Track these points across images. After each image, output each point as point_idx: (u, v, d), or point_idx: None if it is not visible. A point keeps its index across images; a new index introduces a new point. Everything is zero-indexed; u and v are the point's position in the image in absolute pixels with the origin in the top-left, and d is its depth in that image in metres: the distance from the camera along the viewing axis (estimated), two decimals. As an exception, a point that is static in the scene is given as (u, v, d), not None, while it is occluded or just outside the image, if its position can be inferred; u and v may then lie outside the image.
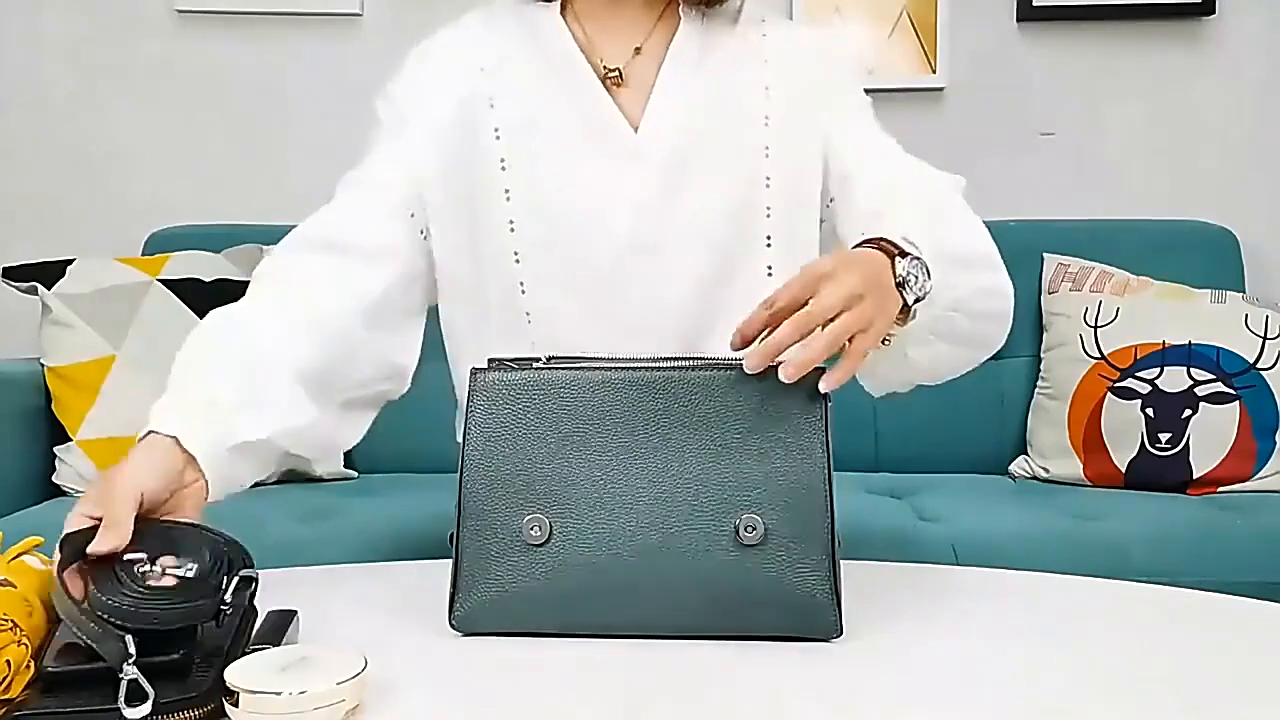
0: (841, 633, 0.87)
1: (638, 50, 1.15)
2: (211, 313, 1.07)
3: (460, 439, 0.92)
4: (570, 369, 0.90)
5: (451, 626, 0.88)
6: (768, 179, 1.14)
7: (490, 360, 0.93)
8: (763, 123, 1.15)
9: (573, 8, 1.17)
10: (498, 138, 1.13)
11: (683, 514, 0.86)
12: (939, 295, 0.98)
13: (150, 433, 0.94)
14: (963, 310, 1.02)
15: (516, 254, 1.12)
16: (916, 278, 0.95)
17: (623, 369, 0.90)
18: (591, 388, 0.89)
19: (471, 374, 0.90)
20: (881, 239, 0.96)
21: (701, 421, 0.88)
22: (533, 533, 0.86)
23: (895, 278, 0.94)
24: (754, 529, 0.85)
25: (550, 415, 0.88)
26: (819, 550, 0.86)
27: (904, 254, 0.95)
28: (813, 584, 0.86)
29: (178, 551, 0.82)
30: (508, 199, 1.12)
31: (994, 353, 1.12)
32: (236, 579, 0.78)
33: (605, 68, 1.14)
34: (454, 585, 0.88)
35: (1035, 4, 2.43)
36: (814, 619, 0.86)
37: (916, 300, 0.95)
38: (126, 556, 0.80)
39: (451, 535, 1.27)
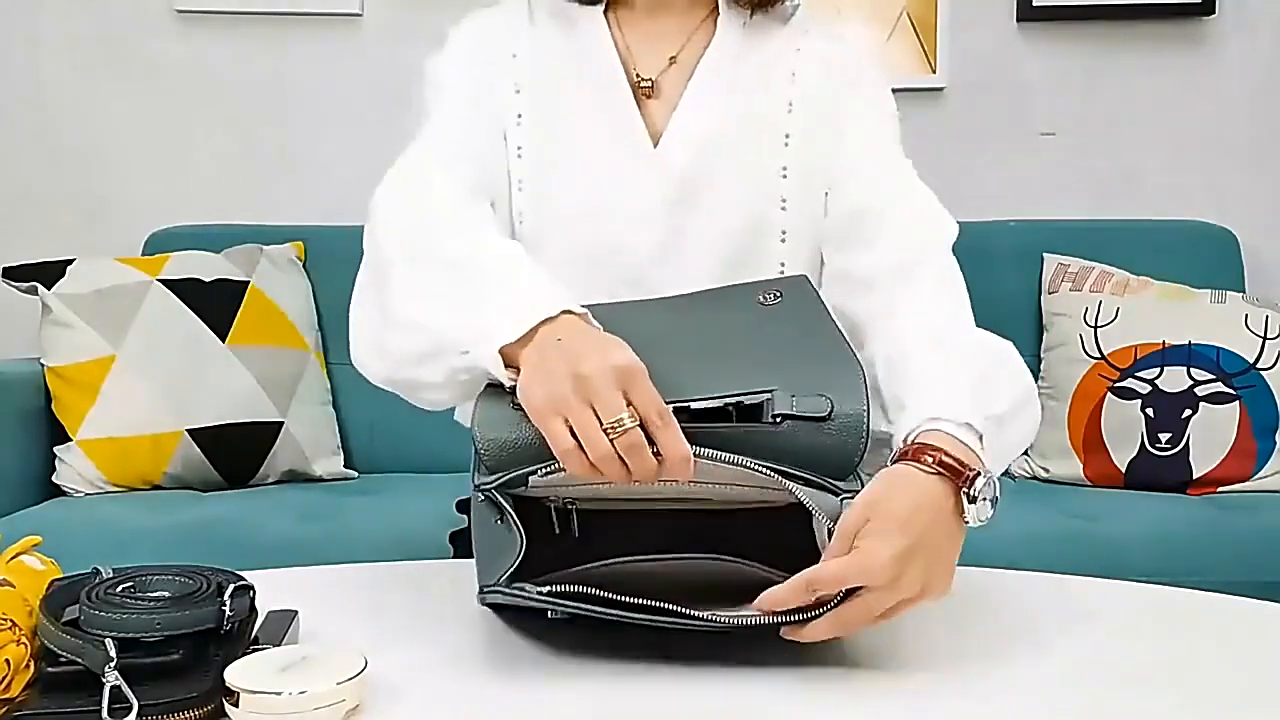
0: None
1: (673, 60, 1.14)
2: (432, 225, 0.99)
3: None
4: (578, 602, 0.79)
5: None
6: (784, 201, 1.12)
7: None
8: (783, 142, 1.13)
9: (615, 12, 1.16)
10: (519, 124, 1.13)
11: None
12: (998, 466, 0.89)
13: (545, 320, 0.86)
14: (1014, 454, 0.97)
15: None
16: (986, 500, 0.83)
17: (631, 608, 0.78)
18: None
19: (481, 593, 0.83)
20: (944, 458, 0.83)
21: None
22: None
23: (963, 513, 0.82)
24: None
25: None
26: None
27: (974, 476, 0.82)
28: None
29: (164, 577, 0.81)
30: (520, 189, 1.12)
31: None
32: (233, 586, 0.78)
33: (639, 76, 1.13)
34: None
35: (1035, 4, 2.43)
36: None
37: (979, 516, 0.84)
38: (111, 581, 0.79)
39: (451, 535, 1.28)
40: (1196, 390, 1.99)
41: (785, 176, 1.12)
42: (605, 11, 1.15)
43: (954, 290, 1.06)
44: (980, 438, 0.86)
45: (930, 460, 0.82)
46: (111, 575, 0.80)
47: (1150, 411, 2.00)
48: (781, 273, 1.11)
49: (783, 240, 1.11)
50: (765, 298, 0.94)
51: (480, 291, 0.91)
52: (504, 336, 0.85)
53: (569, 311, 0.87)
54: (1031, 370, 2.09)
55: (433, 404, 0.99)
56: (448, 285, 0.93)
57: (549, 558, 0.83)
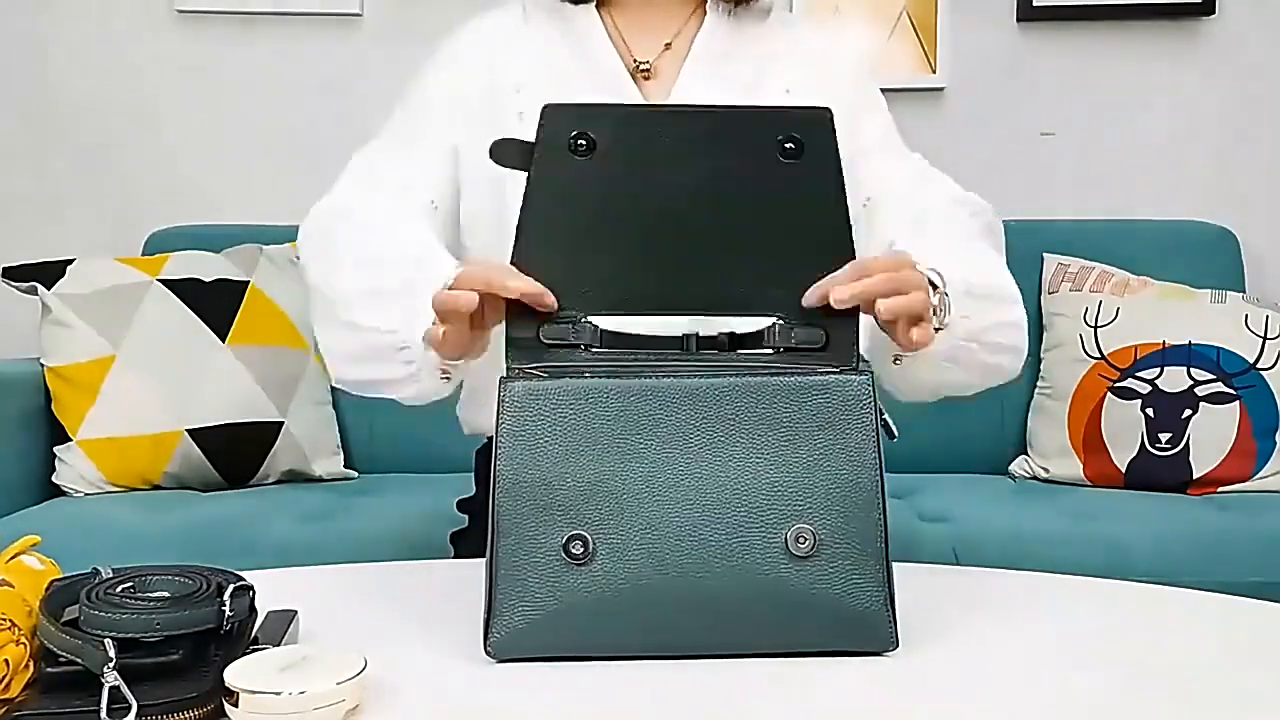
0: (897, 645, 0.83)
1: (667, 46, 1.19)
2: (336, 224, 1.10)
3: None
4: (604, 378, 0.84)
5: (487, 653, 0.82)
6: None
7: (514, 369, 0.87)
8: None
9: (607, 5, 1.20)
10: (521, 120, 1.15)
11: (730, 525, 0.82)
12: (957, 325, 0.98)
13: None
14: (979, 341, 1.02)
15: None
16: (940, 311, 0.95)
17: (663, 375, 0.84)
18: (629, 396, 0.83)
19: (500, 383, 0.84)
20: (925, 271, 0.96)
21: (746, 428, 0.83)
22: (574, 550, 0.81)
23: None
24: (805, 540, 0.81)
25: (586, 424, 0.82)
26: (874, 560, 0.83)
27: (933, 286, 0.95)
28: (868, 595, 0.82)
29: (164, 577, 0.81)
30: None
31: (1009, 380, 1.11)
32: (233, 586, 0.78)
33: (635, 60, 1.18)
34: (489, 609, 0.82)
35: (1035, 4, 2.43)
36: (869, 632, 0.83)
37: (936, 329, 0.95)
38: (112, 581, 0.79)
39: (452, 535, 1.28)
40: (1196, 390, 1.99)
41: None
42: (597, 6, 1.20)
43: (961, 229, 1.13)
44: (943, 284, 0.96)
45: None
46: (111, 575, 0.80)
47: (1150, 411, 2.00)
48: None
49: None
50: (785, 149, 0.89)
51: (401, 284, 1.00)
52: (420, 327, 0.95)
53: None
54: (1031, 370, 2.13)
55: (410, 399, 1.04)
56: (373, 281, 1.02)
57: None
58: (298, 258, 1.12)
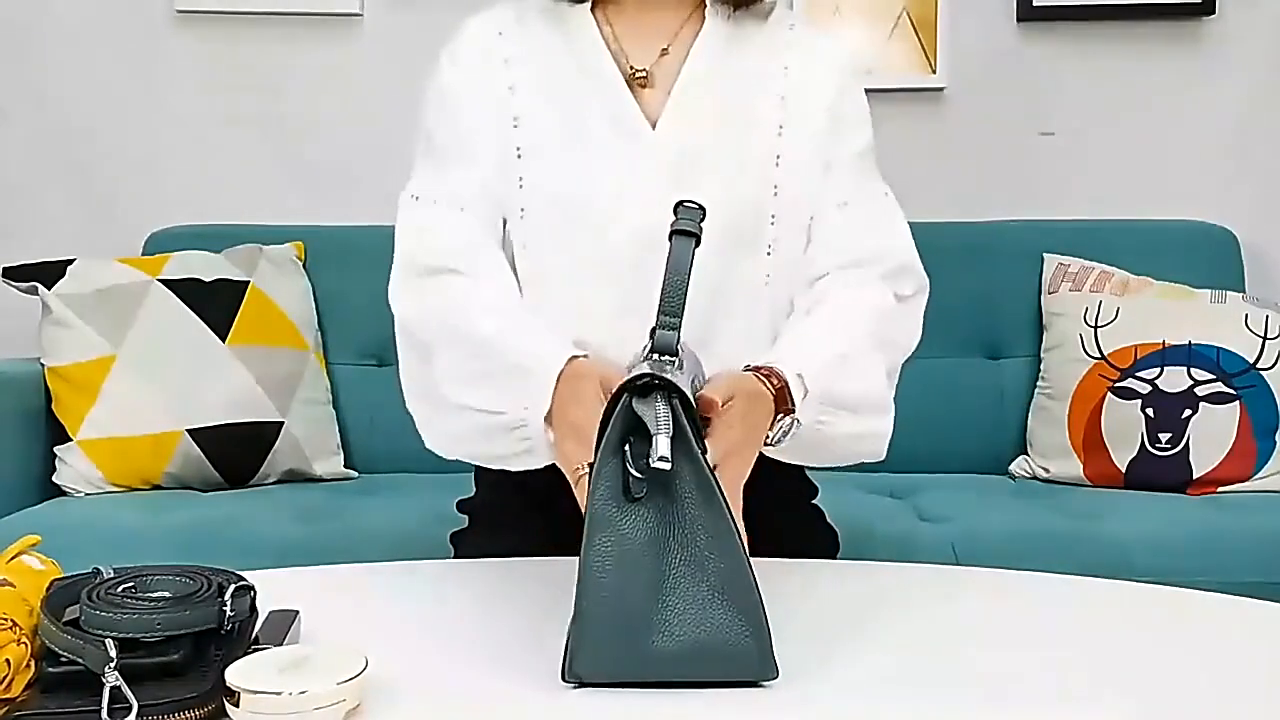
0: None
1: (664, 51, 1.17)
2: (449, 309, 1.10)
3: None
4: None
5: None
6: (776, 187, 1.15)
7: None
8: (776, 131, 1.16)
9: (603, 7, 1.18)
10: (515, 126, 1.15)
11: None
12: (809, 433, 1.01)
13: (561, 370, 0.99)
14: (829, 448, 1.07)
15: (524, 244, 1.14)
16: (780, 440, 0.99)
17: None
18: None
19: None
20: (783, 384, 1.00)
21: None
22: None
23: (769, 436, 0.98)
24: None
25: None
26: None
27: (789, 411, 0.99)
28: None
29: (164, 577, 0.81)
30: (520, 186, 1.14)
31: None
32: (234, 586, 0.78)
33: (632, 67, 1.16)
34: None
35: (1035, 4, 2.43)
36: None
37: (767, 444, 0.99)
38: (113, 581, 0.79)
39: (452, 535, 1.28)
40: (1196, 390, 1.99)
41: (778, 164, 1.16)
42: (593, 8, 1.18)
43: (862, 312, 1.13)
44: (805, 394, 1.00)
45: (774, 381, 1.00)
46: (112, 575, 0.80)
47: (1150, 411, 2.00)
48: (769, 254, 1.14)
49: (772, 223, 1.15)
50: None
51: (512, 367, 1.02)
52: (541, 411, 0.97)
53: (573, 356, 1.00)
54: (1031, 370, 2.14)
55: (517, 468, 1.05)
56: (483, 365, 1.04)
57: None
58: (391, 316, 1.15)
